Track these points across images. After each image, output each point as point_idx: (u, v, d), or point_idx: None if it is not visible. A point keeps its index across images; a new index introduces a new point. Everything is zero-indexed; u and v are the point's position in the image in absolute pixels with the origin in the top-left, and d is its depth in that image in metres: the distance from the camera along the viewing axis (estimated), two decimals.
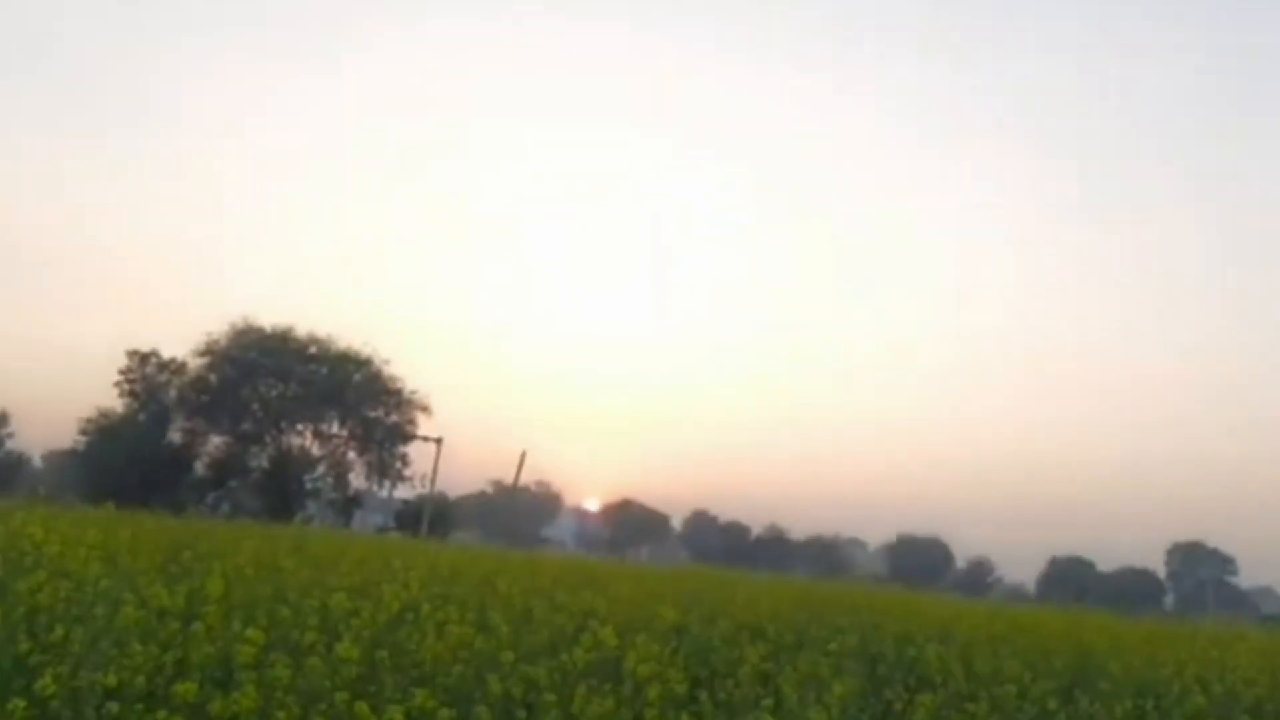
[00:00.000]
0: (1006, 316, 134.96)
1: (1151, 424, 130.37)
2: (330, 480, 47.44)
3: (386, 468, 47.78)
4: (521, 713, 5.72)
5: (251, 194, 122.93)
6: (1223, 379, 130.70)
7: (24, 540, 8.65)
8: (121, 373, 46.70)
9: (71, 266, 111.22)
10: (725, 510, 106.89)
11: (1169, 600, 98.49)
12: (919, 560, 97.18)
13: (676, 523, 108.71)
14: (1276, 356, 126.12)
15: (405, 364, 52.90)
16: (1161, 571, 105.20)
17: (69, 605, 6.69)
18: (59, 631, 5.93)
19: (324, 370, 47.32)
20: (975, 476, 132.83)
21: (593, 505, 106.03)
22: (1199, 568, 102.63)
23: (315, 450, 47.54)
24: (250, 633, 5.95)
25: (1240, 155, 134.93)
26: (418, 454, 48.30)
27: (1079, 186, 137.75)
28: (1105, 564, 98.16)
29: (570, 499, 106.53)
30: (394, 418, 48.18)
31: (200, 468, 46.12)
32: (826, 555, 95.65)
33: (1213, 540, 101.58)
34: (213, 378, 46.15)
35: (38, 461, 63.14)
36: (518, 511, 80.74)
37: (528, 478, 77.35)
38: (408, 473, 48.22)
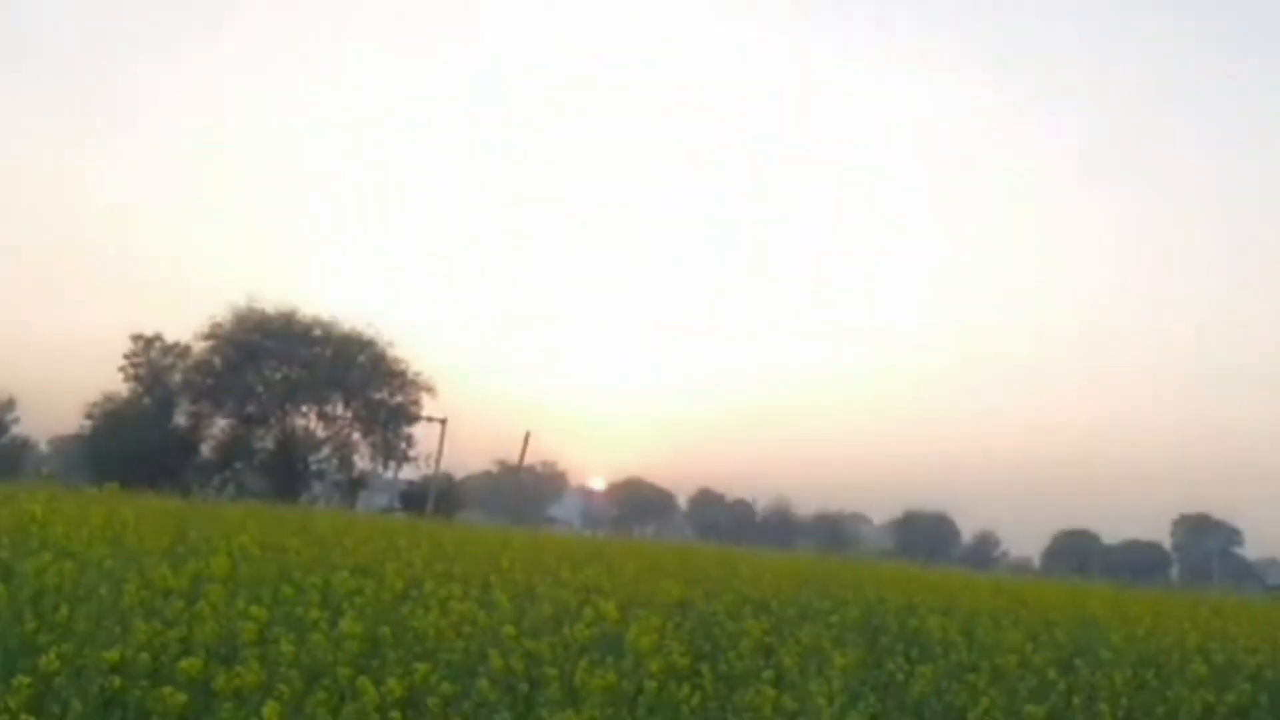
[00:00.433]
0: (1006, 291, 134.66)
1: (1157, 396, 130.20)
2: (335, 462, 47.63)
3: (391, 449, 47.94)
4: (524, 685, 5.76)
5: (252, 177, 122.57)
6: (1228, 349, 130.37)
7: (29, 522, 8.70)
8: (126, 357, 46.85)
9: (74, 252, 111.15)
10: (731, 489, 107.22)
11: (1175, 572, 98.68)
12: (925, 535, 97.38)
13: (682, 501, 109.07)
14: None
15: (409, 345, 52.84)
16: (1168, 544, 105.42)
17: (74, 586, 6.74)
18: (64, 611, 5.98)
19: (328, 352, 47.41)
20: (981, 452, 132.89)
21: (598, 484, 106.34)
22: (1205, 540, 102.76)
23: (320, 432, 47.72)
24: (254, 610, 6.01)
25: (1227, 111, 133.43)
26: (422, 435, 48.46)
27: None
28: (1111, 537, 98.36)
29: (575, 479, 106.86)
30: (398, 399, 48.31)
31: (206, 450, 46.32)
32: (832, 531, 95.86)
33: (1219, 513, 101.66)
34: (217, 361, 46.27)
35: (44, 447, 63.40)
36: (523, 491, 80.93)
37: (533, 458, 77.53)
38: (413, 454, 48.42)
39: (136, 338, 47.05)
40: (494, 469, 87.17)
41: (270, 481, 43.08)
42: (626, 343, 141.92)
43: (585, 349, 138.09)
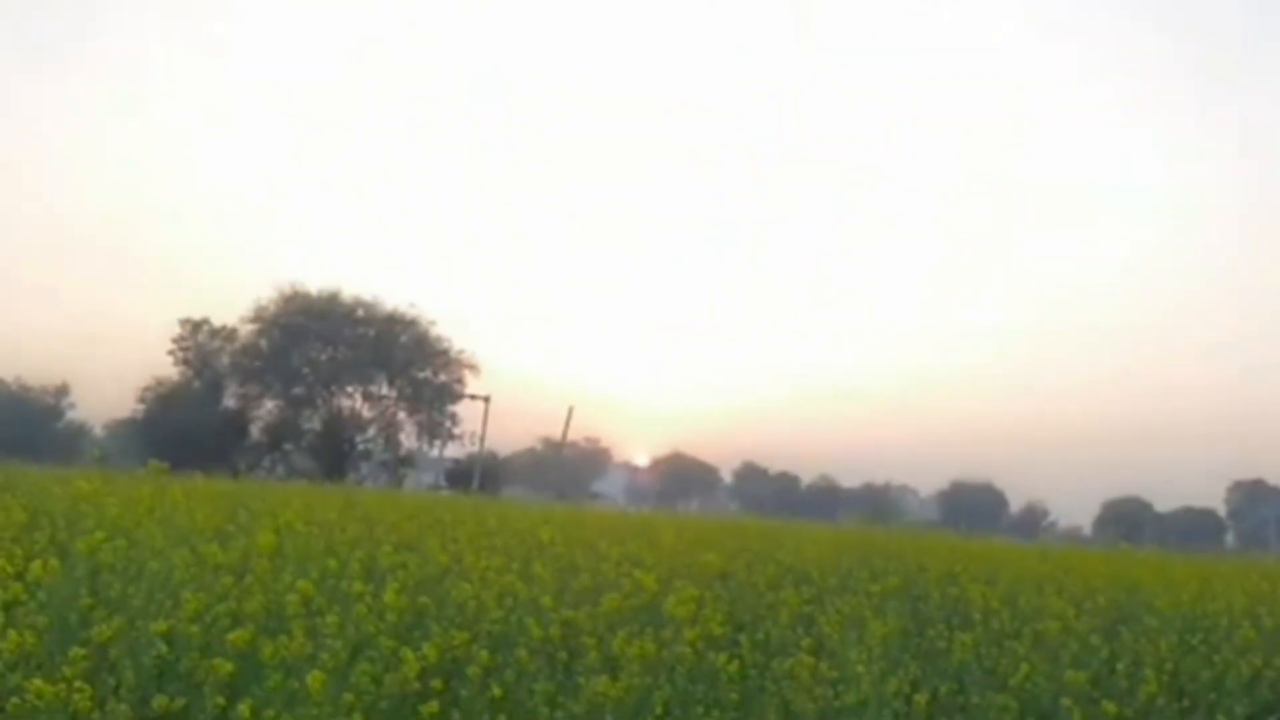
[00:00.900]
0: (1053, 260, 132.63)
1: (1209, 360, 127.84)
2: (381, 441, 48.22)
3: (436, 427, 48.45)
4: (563, 655, 5.85)
5: (295, 161, 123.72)
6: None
7: (81, 501, 8.93)
8: (175, 342, 47.69)
9: (123, 239, 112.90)
10: (775, 462, 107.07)
11: (1230, 539, 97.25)
12: (972, 506, 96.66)
13: (726, 475, 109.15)
14: None
15: (451, 323, 53.35)
16: (1222, 510, 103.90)
17: (127, 563, 6.92)
18: (117, 587, 6.15)
19: (371, 332, 47.94)
20: (1030, 421, 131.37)
21: (642, 460, 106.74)
22: (1260, 506, 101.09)
23: (365, 412, 48.34)
24: (300, 584, 6.14)
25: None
26: (467, 413, 48.90)
27: None
28: (1164, 504, 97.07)
29: (619, 454, 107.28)
30: (442, 377, 48.77)
31: (255, 432, 47.12)
32: (877, 503, 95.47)
33: (1275, 478, 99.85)
34: (263, 343, 46.96)
35: (99, 431, 64.78)
36: (567, 467, 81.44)
37: (577, 434, 77.95)
38: (457, 431, 48.92)
39: (185, 322, 47.90)
40: (538, 446, 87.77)
41: (318, 462, 43.77)
42: (669, 319, 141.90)
43: (628, 325, 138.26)
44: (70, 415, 60.17)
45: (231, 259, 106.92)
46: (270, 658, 4.98)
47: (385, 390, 48.45)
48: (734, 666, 5.99)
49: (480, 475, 46.41)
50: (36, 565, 6.27)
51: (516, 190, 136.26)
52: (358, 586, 6.31)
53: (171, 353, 47.48)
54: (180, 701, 4.70)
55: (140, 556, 7.01)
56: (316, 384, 47.44)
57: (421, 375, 48.45)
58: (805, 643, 6.57)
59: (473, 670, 5.16)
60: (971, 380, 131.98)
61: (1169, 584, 11.12)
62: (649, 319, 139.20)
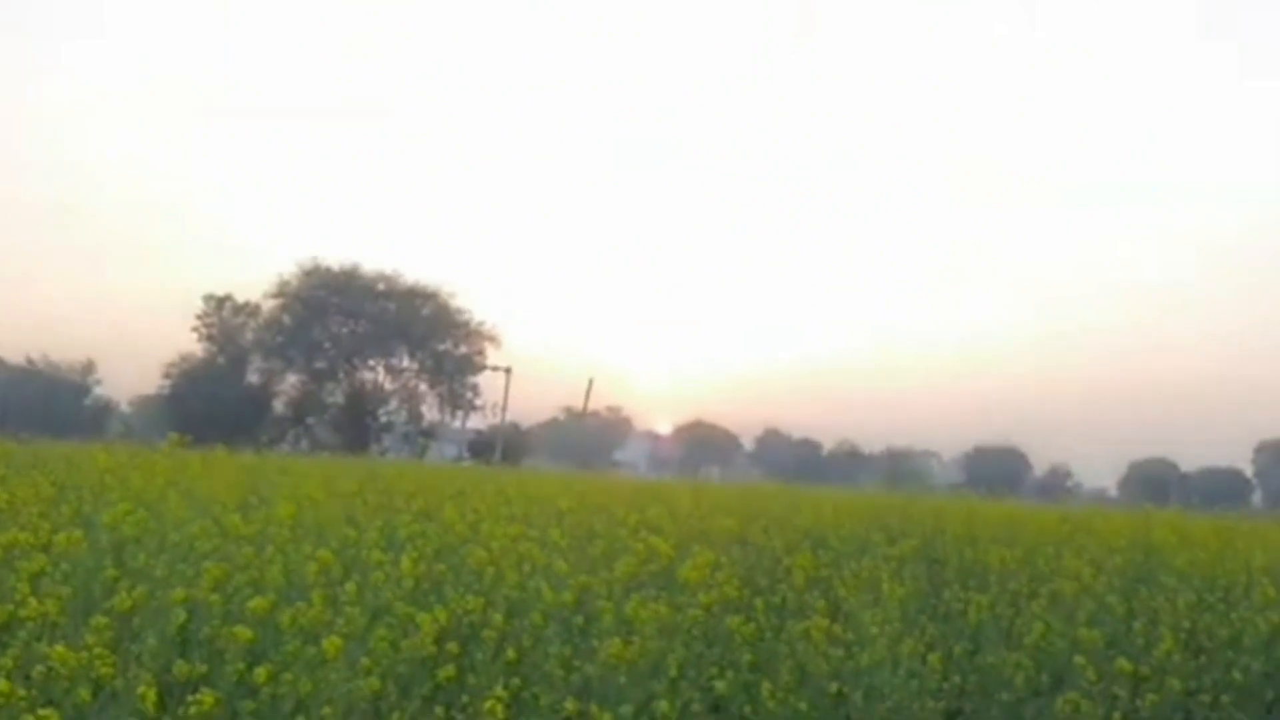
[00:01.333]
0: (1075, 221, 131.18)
1: (1234, 320, 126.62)
2: (404, 413, 48.57)
3: (458, 399, 48.76)
4: (579, 619, 5.91)
5: (311, 136, 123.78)
6: None
7: (104, 474, 9.07)
8: (199, 318, 48.08)
9: (144, 218, 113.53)
10: (797, 428, 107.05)
11: (1256, 499, 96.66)
12: (996, 470, 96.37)
13: (748, 442, 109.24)
14: None
15: (472, 296, 53.54)
16: (1249, 471, 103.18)
17: (150, 534, 7.04)
18: (141, 558, 6.26)
19: (392, 306, 48.18)
20: (1055, 383, 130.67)
21: (664, 428, 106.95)
22: None
23: (388, 385, 48.69)
24: (320, 553, 6.23)
25: None
26: (488, 384, 49.15)
27: None
28: (1190, 465, 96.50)
29: (641, 423, 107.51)
30: (463, 349, 49.01)
31: (279, 406, 47.57)
32: (900, 468, 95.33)
33: None
34: (286, 318, 47.30)
35: (125, 407, 65.48)
36: (589, 437, 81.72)
37: (598, 404, 78.19)
38: (479, 403, 49.25)
39: (208, 298, 48.29)
40: (560, 416, 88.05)
41: (342, 435, 44.15)
42: (690, 288, 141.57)
43: (649, 294, 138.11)
44: (97, 392, 60.81)
45: (253, 235, 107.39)
46: (289, 625, 5.07)
47: (407, 363, 48.78)
48: (748, 629, 6.04)
49: (502, 446, 46.69)
50: (61, 537, 6.40)
51: (536, 161, 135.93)
52: (376, 555, 6.39)
53: (195, 329, 47.94)
54: (201, 668, 4.79)
55: (162, 528, 7.13)
56: (338, 358, 47.79)
57: (442, 347, 48.68)
58: (819, 605, 6.61)
59: (488, 634, 5.23)
60: (996, 343, 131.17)
61: (1188, 544, 11.09)
62: (670, 288, 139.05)
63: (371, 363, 48.26)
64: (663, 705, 5.00)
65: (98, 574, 6.16)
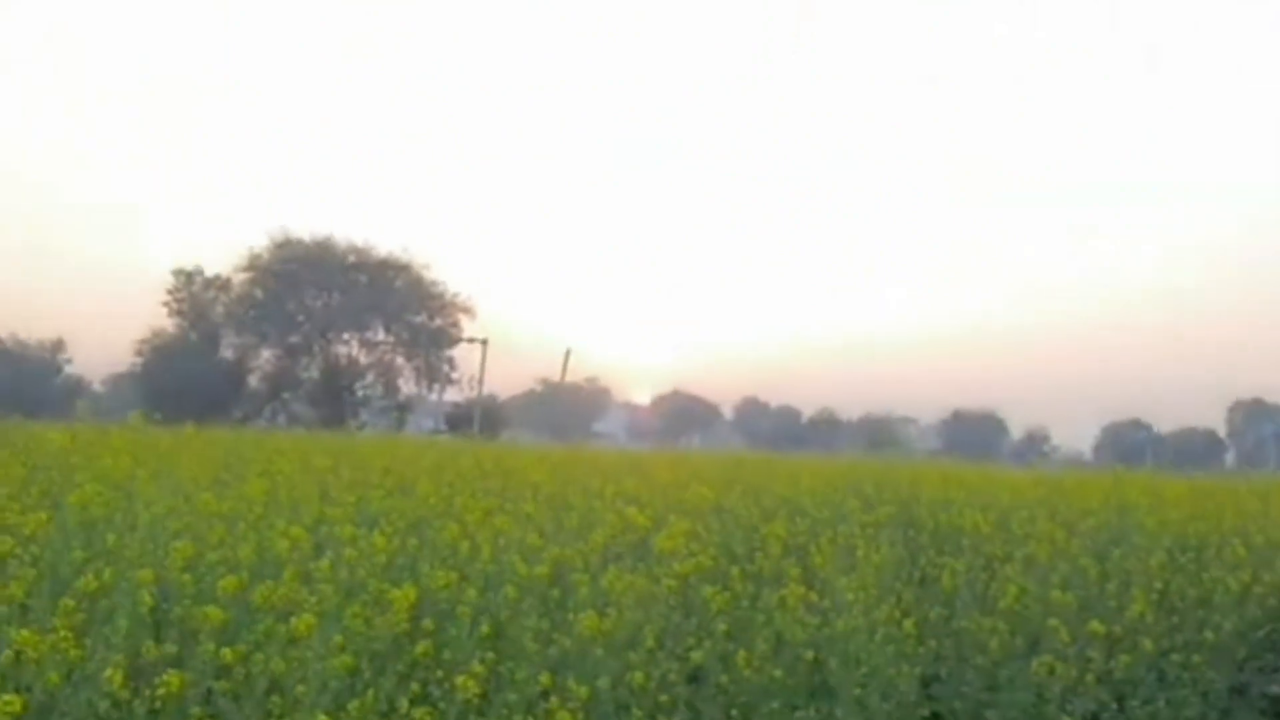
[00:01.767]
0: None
1: (1207, 279, 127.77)
2: (380, 387, 48.36)
3: (434, 372, 48.58)
4: (555, 592, 5.90)
5: (283, 105, 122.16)
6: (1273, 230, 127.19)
7: (67, 453, 8.96)
8: (169, 292, 47.55)
9: (116, 189, 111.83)
10: (776, 397, 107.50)
11: (1230, 458, 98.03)
12: (973, 435, 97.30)
13: (727, 411, 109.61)
14: None
15: (446, 267, 53.24)
16: (1223, 430, 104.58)
17: (120, 514, 6.96)
18: (110, 539, 6.19)
19: (365, 278, 47.82)
20: (1030, 347, 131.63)
21: (643, 398, 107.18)
22: (1260, 424, 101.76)
23: (363, 359, 48.43)
24: (293, 530, 6.18)
25: None
26: (464, 357, 48.98)
27: None
28: (1165, 425, 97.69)
29: (620, 393, 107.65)
30: (438, 322, 48.76)
31: (253, 381, 47.21)
32: (877, 434, 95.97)
33: (1273, 397, 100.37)
34: (258, 292, 46.85)
35: (97, 386, 64.90)
36: (567, 408, 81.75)
37: (577, 375, 78.15)
38: (455, 376, 49.07)
39: (178, 272, 47.75)
40: (538, 388, 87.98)
41: (317, 410, 43.93)
42: (666, 258, 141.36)
43: (626, 265, 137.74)
44: (68, 371, 60.21)
45: (221, 207, 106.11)
46: (262, 603, 5.02)
47: (382, 336, 48.50)
48: (723, 598, 6.05)
49: (480, 418, 46.60)
50: (29, 519, 6.32)
51: (509, 131, 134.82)
52: (349, 531, 6.35)
53: (166, 304, 47.42)
54: (172, 648, 4.75)
55: (133, 508, 7.05)
56: (313, 332, 47.43)
57: (417, 320, 48.41)
58: (794, 572, 6.62)
59: (462, 610, 5.21)
60: (972, 306, 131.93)
61: (1161, 504, 11.21)
62: (646, 259, 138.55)
63: (346, 336, 47.96)
64: (638, 677, 4.99)
65: (65, 555, 6.09)
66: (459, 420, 48.38)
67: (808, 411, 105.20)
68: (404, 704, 4.60)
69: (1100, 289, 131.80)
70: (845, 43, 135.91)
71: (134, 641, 4.79)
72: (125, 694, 4.23)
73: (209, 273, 47.64)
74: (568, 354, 54.47)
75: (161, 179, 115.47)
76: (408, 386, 49.25)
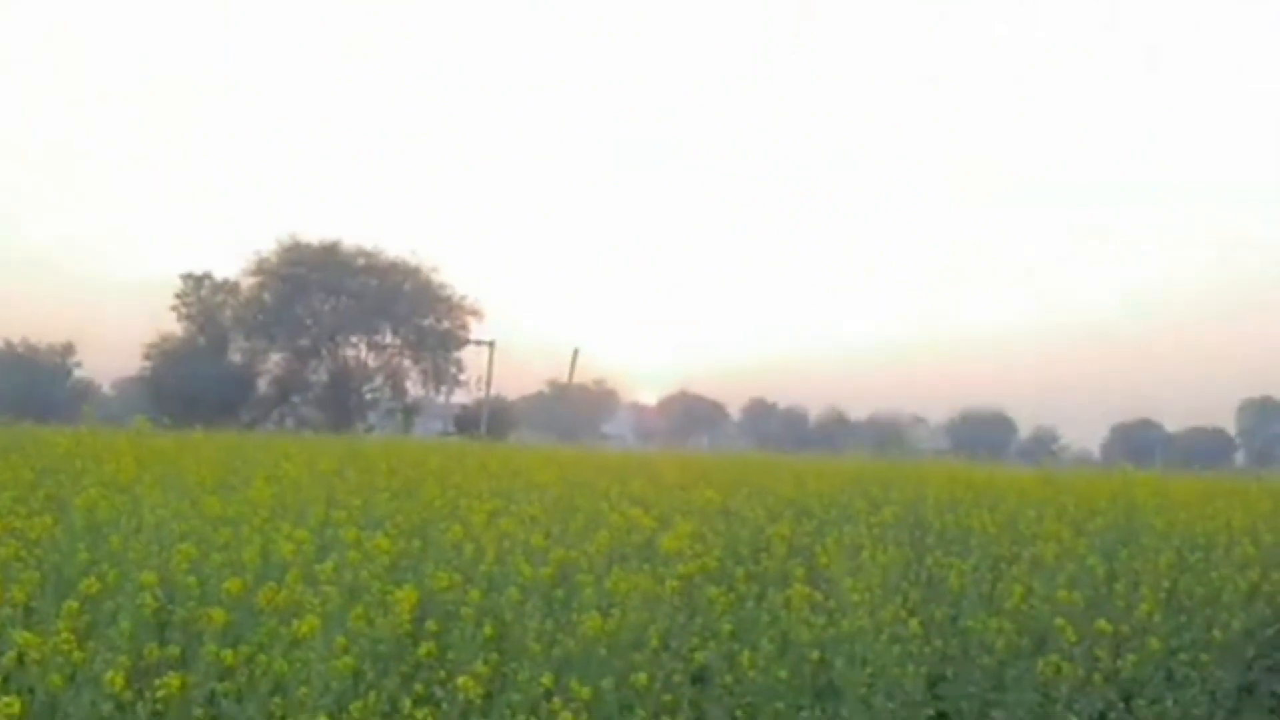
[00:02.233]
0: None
1: (1216, 278, 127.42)
2: (388, 390, 48.43)
3: (442, 374, 48.63)
4: (559, 592, 5.89)
5: (285, 106, 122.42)
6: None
7: (82, 460, 8.99)
8: (178, 297, 47.69)
9: (119, 191, 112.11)
10: (784, 397, 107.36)
11: (1240, 457, 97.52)
12: (981, 433, 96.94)
13: (734, 412, 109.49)
14: None
15: (454, 270, 53.36)
16: (1232, 429, 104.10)
17: (126, 517, 6.98)
18: (115, 541, 6.20)
19: (373, 282, 47.91)
20: (1042, 347, 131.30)
21: (650, 399, 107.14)
22: (1270, 423, 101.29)
23: (371, 361, 48.50)
24: (298, 532, 6.19)
25: None
26: (472, 359, 49.04)
27: None
28: (1174, 425, 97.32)
29: (627, 395, 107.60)
30: (445, 324, 48.82)
31: (262, 385, 47.32)
32: (886, 434, 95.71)
33: None
34: (266, 296, 46.97)
35: (107, 389, 65.11)
36: (575, 410, 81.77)
37: (585, 376, 78.20)
38: (463, 378, 49.14)
39: (186, 277, 47.88)
40: (545, 389, 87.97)
41: (325, 413, 44.02)
42: (674, 259, 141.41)
43: (633, 266, 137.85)
44: (77, 374, 60.43)
45: (225, 209, 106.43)
46: (264, 604, 5.02)
47: (390, 339, 48.57)
48: (728, 599, 6.03)
49: (488, 420, 46.64)
50: (34, 523, 6.34)
51: (512, 132, 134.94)
52: (353, 533, 6.35)
53: (175, 308, 47.57)
54: (175, 650, 4.75)
55: (138, 511, 7.07)
56: (321, 335, 47.53)
57: (425, 323, 48.48)
58: (799, 572, 6.61)
59: (466, 611, 5.20)
60: (976, 306, 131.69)
61: (1169, 504, 11.16)
62: (651, 259, 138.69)
63: (354, 340, 48.06)
64: (642, 678, 4.98)
65: (71, 558, 6.11)
66: (467, 422, 48.39)
67: (815, 412, 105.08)
68: (407, 705, 4.59)
69: (1103, 288, 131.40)
70: (845, 43, 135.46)
71: (137, 643, 4.80)
72: (128, 696, 4.24)
73: (217, 277, 47.85)
74: (575, 355, 54.57)
75: (164, 181, 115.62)
76: (415, 389, 49.38)
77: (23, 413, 22.02)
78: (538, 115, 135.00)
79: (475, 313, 49.00)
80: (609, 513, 8.29)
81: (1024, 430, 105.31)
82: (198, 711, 4.49)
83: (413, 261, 48.56)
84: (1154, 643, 6.56)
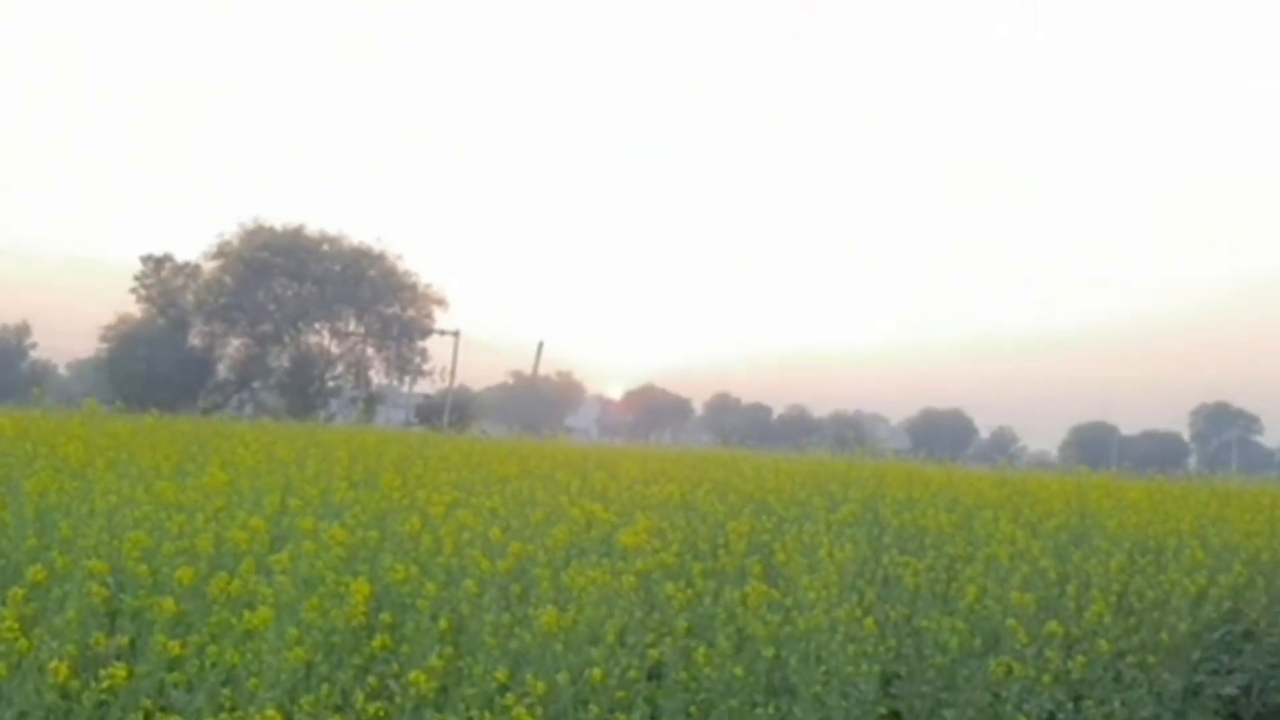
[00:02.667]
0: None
1: (1175, 284, 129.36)
2: (351, 378, 48.03)
3: (405, 363, 48.28)
4: (515, 586, 5.87)
5: (256, 94, 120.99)
6: (1237, 236, 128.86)
7: (35, 442, 8.84)
8: (137, 279, 46.99)
9: (82, 174, 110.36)
10: (747, 393, 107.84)
11: (1193, 461, 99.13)
12: (942, 433, 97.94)
13: (698, 407, 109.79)
14: None
15: (419, 258, 53.00)
16: (1186, 434, 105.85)
17: (78, 503, 6.87)
18: (65, 528, 6.10)
19: (337, 268, 47.45)
20: (999, 348, 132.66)
21: (615, 393, 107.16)
22: (1224, 428, 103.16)
23: (334, 349, 48.05)
24: (253, 521, 6.13)
25: None
26: (436, 348, 48.74)
27: None
28: (1130, 428, 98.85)
29: (592, 388, 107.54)
30: (410, 313, 48.46)
31: (222, 370, 46.76)
32: (846, 432, 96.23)
33: (1238, 400, 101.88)
34: (228, 280, 46.39)
35: (63, 371, 64.11)
36: (539, 402, 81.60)
37: (549, 368, 78.01)
38: (427, 367, 48.79)
39: (146, 259, 47.18)
40: (510, 381, 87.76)
41: (287, 400, 43.56)
42: (640, 253, 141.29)
43: (599, 259, 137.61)
44: (33, 355, 59.41)
45: (195, 195, 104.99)
46: (217, 594, 4.97)
47: (353, 326, 48.15)
48: (685, 595, 6.04)
49: (451, 411, 46.40)
50: None
51: (485, 124, 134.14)
52: (309, 523, 6.30)
53: (134, 290, 46.85)
54: (124, 639, 4.69)
55: (90, 496, 6.97)
56: (283, 321, 47.01)
57: (389, 311, 48.11)
58: (757, 569, 6.63)
59: (421, 604, 5.17)
60: (971, 307, 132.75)
61: (1121, 506, 11.32)
62: (620, 255, 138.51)
63: (317, 326, 47.59)
64: (597, 673, 4.98)
65: (20, 544, 6.00)
66: (430, 412, 48.12)
67: (778, 409, 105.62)
68: (359, 698, 4.56)
69: (1104, 288, 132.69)
70: (845, 43, 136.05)
71: (84, 632, 4.73)
72: (75, 685, 4.17)
73: (179, 259, 47.19)
74: (540, 348, 54.40)
75: (129, 166, 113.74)
76: (379, 378, 48.99)
77: None
78: (510, 108, 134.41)
79: (440, 302, 48.77)
80: (569, 507, 8.28)
81: (984, 429, 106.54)
82: (146, 702, 4.43)
83: (377, 248, 48.26)
84: (1103, 645, 6.65)
